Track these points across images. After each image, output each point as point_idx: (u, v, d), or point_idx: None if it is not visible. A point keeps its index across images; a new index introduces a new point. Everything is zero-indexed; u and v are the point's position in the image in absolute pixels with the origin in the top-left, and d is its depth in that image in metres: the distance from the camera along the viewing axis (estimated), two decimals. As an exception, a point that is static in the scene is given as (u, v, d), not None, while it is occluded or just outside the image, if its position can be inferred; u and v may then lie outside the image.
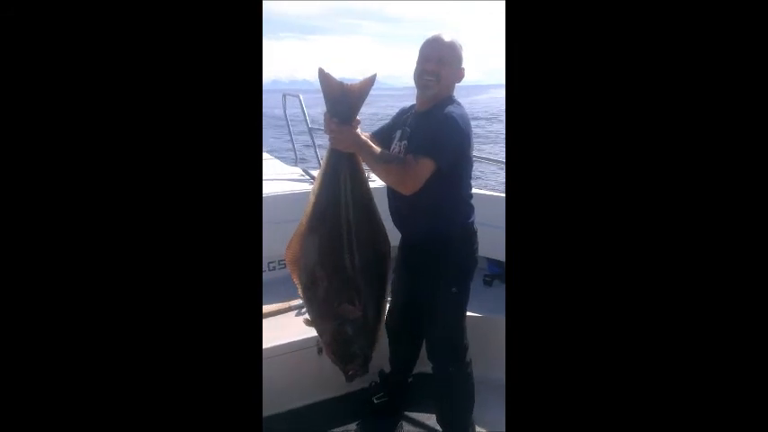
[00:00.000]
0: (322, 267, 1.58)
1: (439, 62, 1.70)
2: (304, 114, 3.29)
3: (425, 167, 1.58)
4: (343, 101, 1.53)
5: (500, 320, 1.92)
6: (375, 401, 2.15)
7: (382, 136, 1.85)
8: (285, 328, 2.19)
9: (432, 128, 1.66)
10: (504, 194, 2.76)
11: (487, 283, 2.67)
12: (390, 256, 1.69)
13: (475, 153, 1.85)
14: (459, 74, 1.77)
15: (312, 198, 1.60)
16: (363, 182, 1.60)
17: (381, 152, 1.61)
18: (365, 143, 1.57)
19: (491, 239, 2.34)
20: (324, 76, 1.52)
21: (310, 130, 3.29)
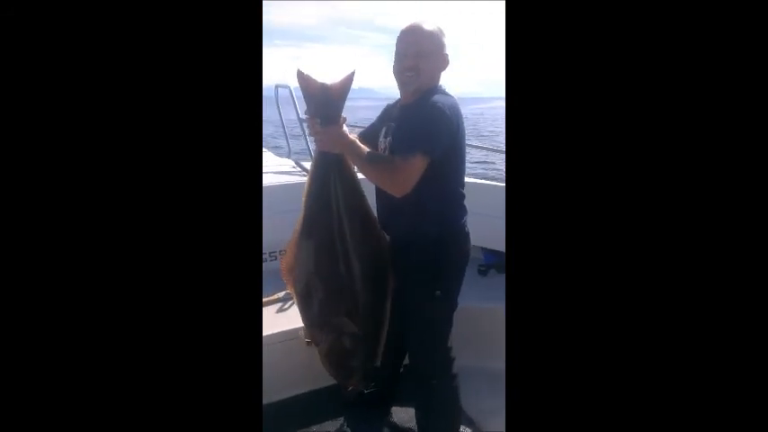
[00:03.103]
0: (317, 276, 1.51)
1: (417, 56, 1.57)
2: (295, 105, 3.27)
3: (416, 165, 1.45)
4: (325, 101, 1.48)
5: (495, 310, 1.92)
6: (365, 392, 2.12)
7: (370, 136, 1.75)
8: (277, 318, 2.19)
9: (418, 120, 1.52)
10: (498, 183, 2.76)
11: (482, 272, 2.66)
12: (389, 262, 1.60)
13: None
14: (441, 62, 1.62)
15: (303, 205, 1.54)
16: (355, 183, 1.53)
17: (369, 152, 1.53)
18: (352, 142, 1.50)
19: (486, 229, 2.33)
20: (303, 78, 1.48)
21: (301, 121, 3.28)
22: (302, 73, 1.49)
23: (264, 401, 2.00)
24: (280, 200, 2.76)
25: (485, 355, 2.14)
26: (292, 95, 3.24)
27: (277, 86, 3.54)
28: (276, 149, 4.68)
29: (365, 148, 1.52)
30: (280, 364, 1.96)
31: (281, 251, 2.77)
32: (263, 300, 2.29)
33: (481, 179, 3.09)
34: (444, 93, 1.61)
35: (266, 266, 2.49)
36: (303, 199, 1.54)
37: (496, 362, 1.91)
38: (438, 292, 1.61)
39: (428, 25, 1.59)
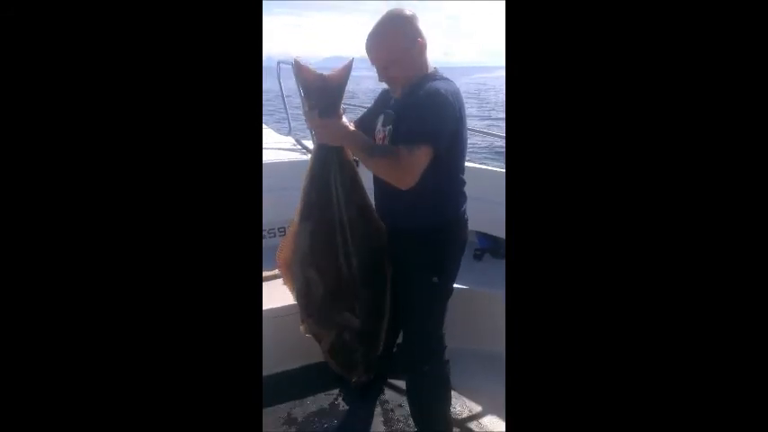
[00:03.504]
0: (317, 271, 1.47)
1: (387, 67, 1.50)
2: (298, 85, 3.25)
3: (422, 157, 1.39)
4: (323, 92, 1.42)
5: (489, 294, 1.95)
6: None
7: (367, 122, 1.69)
8: (275, 294, 2.21)
9: (421, 109, 1.44)
10: (495, 168, 2.77)
11: (477, 257, 2.69)
12: (388, 255, 1.58)
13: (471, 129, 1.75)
14: (417, 52, 1.51)
15: (302, 198, 1.49)
16: (355, 175, 1.49)
17: (372, 145, 1.48)
18: (354, 135, 1.44)
19: (482, 213, 2.35)
20: (300, 68, 1.43)
21: (302, 99, 3.26)
22: (299, 63, 1.44)
23: (264, 373, 2.06)
24: (280, 177, 2.77)
25: (479, 338, 2.18)
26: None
27: (279, 63, 3.50)
28: (277, 125, 4.64)
29: (367, 140, 1.47)
30: (277, 338, 1.98)
31: (280, 228, 2.79)
32: (266, 275, 2.31)
33: (481, 163, 3.09)
34: (441, 78, 1.53)
35: (266, 243, 2.51)
36: (301, 191, 1.50)
37: (491, 345, 1.94)
38: (435, 279, 1.60)
39: (388, 25, 1.49)
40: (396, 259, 1.66)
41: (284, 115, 3.81)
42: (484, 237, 2.73)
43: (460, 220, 1.67)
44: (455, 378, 1.78)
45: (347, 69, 1.44)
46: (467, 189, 1.70)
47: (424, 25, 1.53)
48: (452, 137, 1.48)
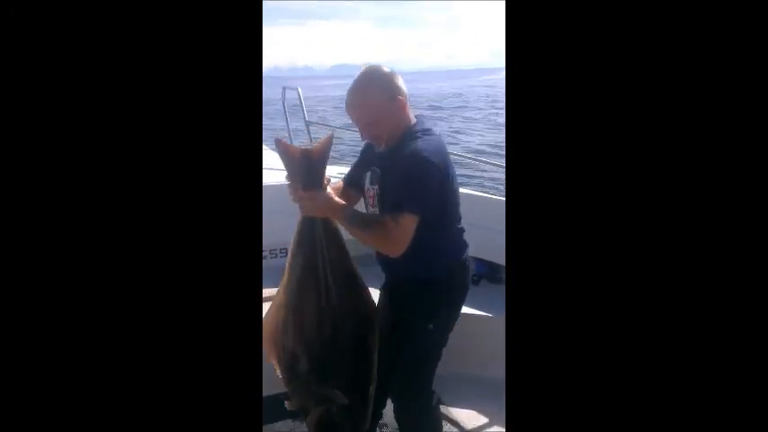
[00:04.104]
0: (302, 345, 1.44)
1: (367, 127, 1.53)
2: (302, 108, 3.31)
3: (408, 226, 1.41)
4: (306, 166, 1.42)
5: (486, 318, 1.97)
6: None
7: (354, 179, 1.71)
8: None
9: (405, 175, 1.45)
10: (492, 196, 2.83)
11: (475, 282, 2.73)
12: (377, 327, 1.54)
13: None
14: (397, 109, 1.51)
15: (287, 269, 1.47)
16: (341, 245, 1.48)
17: (359, 215, 1.50)
18: (340, 207, 1.44)
19: (479, 240, 2.37)
20: (281, 146, 1.45)
21: (307, 125, 3.32)
22: (280, 141, 1.47)
23: (263, 394, 2.05)
24: (282, 199, 2.80)
25: (477, 362, 2.19)
26: (300, 98, 3.28)
27: (284, 89, 3.58)
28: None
29: (352, 211, 1.49)
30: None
31: (281, 249, 2.81)
32: (271, 293, 2.33)
33: (476, 190, 3.13)
34: (424, 130, 1.53)
35: (266, 264, 2.54)
36: (286, 262, 1.48)
37: (489, 370, 1.95)
38: (430, 326, 1.60)
39: (367, 85, 1.50)
40: (394, 308, 1.66)
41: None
42: (481, 263, 2.76)
43: (461, 267, 1.68)
44: (451, 401, 1.77)
45: (328, 143, 1.45)
46: (463, 215, 1.69)
47: (401, 81, 1.54)
48: (440, 195, 1.49)
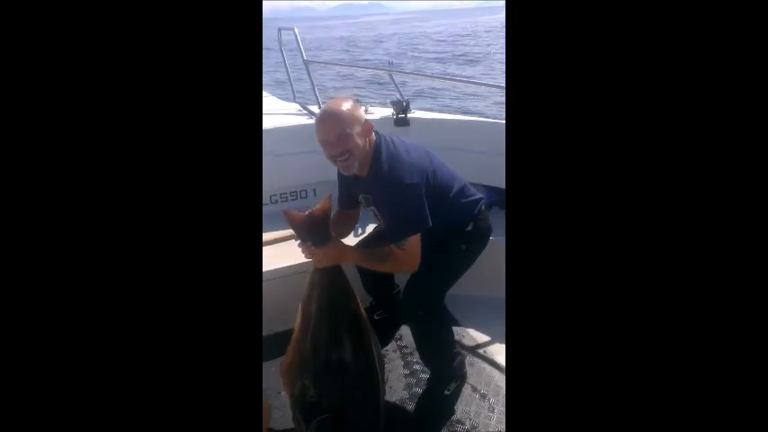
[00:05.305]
0: (311, 379, 1.58)
1: (339, 157, 1.60)
2: (300, 49, 3.23)
3: (413, 244, 1.60)
4: (312, 226, 1.60)
5: (495, 242, 2.02)
6: (375, 318, 2.28)
7: (346, 201, 1.91)
8: (283, 254, 2.26)
9: (389, 203, 1.63)
10: (498, 120, 2.79)
11: (486, 208, 2.74)
12: (382, 375, 1.67)
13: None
14: (364, 134, 1.61)
15: (300, 311, 1.62)
16: (350, 291, 1.63)
17: (368, 253, 1.71)
18: (350, 254, 1.64)
19: (487, 166, 2.38)
20: (288, 216, 1.61)
21: (306, 64, 3.25)
22: (286, 212, 1.61)
23: (264, 333, 2.15)
24: (284, 142, 2.80)
25: (487, 285, 2.27)
26: (297, 38, 3.20)
27: (280, 29, 3.49)
28: (280, 95, 4.62)
29: (361, 251, 1.72)
30: (279, 298, 2.02)
31: (282, 194, 2.85)
32: (264, 240, 2.38)
33: (478, 116, 3.08)
34: (389, 149, 1.64)
35: (267, 209, 2.48)
36: (301, 303, 1.63)
37: (498, 292, 2.02)
38: (462, 246, 1.81)
39: (333, 121, 1.57)
40: (428, 240, 1.72)
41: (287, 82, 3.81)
42: (492, 190, 2.78)
43: (479, 216, 1.86)
44: (461, 318, 1.81)
45: (327, 202, 1.60)
46: (471, 142, 1.80)
47: (360, 108, 1.66)
48: (430, 204, 1.63)
